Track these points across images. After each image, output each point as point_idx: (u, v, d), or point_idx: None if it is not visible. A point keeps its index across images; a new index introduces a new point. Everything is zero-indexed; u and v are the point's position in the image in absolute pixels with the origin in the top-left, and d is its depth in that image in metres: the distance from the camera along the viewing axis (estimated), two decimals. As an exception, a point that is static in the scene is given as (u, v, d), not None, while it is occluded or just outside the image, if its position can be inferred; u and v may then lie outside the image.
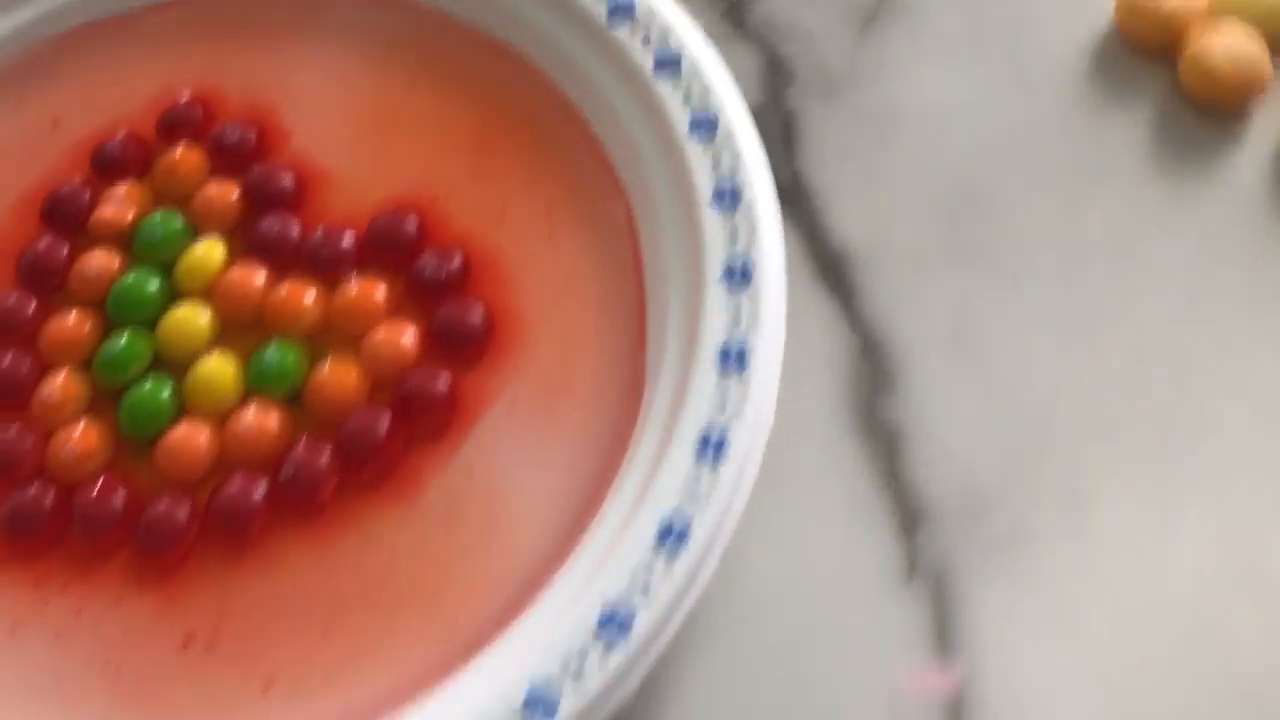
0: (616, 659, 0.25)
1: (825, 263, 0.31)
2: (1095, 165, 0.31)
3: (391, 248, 0.32)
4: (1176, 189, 0.31)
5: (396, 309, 0.31)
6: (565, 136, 0.33)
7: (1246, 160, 0.31)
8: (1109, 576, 0.27)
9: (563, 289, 0.31)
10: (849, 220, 0.32)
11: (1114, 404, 0.29)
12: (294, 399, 0.30)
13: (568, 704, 0.25)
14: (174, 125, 0.34)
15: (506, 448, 0.29)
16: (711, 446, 0.27)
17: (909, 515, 0.28)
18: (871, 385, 0.30)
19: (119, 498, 0.29)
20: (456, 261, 0.31)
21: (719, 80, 0.31)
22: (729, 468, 0.26)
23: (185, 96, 0.35)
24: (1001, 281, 0.30)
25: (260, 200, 0.33)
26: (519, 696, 0.25)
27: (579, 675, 0.25)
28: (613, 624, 0.25)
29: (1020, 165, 0.31)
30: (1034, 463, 0.29)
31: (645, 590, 0.26)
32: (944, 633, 0.27)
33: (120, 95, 0.35)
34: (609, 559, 0.26)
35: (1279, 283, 0.30)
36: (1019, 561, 0.28)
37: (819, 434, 0.29)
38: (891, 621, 0.27)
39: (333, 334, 0.31)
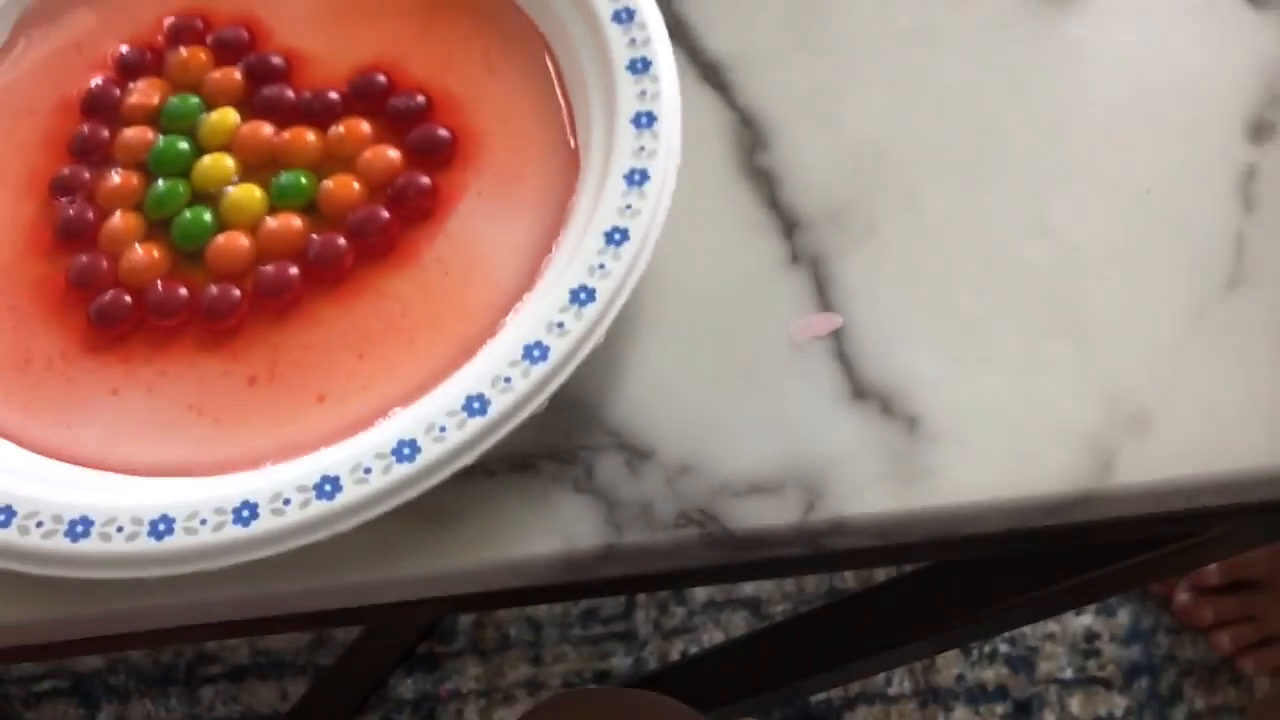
0: (589, 315, 0.34)
1: (705, 70, 0.41)
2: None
3: (368, 97, 0.41)
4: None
5: (378, 140, 0.40)
6: (490, 3, 0.42)
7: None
8: (939, 244, 0.37)
9: (505, 108, 0.41)
10: (718, 38, 0.42)
11: (929, 134, 0.39)
12: (309, 210, 0.39)
13: (556, 348, 0.33)
14: (179, 34, 0.43)
15: (480, 221, 0.38)
16: (637, 175, 0.36)
17: (788, 224, 0.38)
18: (750, 145, 0.39)
19: (182, 289, 0.37)
20: (420, 99, 0.40)
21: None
22: (652, 185, 0.36)
23: (185, 12, 0.43)
24: (839, 65, 0.41)
25: (259, 77, 0.42)
26: (517, 352, 0.34)
27: (561, 331, 0.34)
28: (580, 297, 0.34)
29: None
30: (876, 180, 0.39)
31: (602, 272, 0.35)
32: (823, 296, 0.37)
33: (128, 20, 0.44)
34: (570, 265, 0.35)
35: (1041, 42, 0.41)
36: (873, 243, 0.38)
37: (714, 180, 0.39)
38: (783, 293, 0.37)
39: (332, 162, 0.40)
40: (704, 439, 0.35)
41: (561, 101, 0.40)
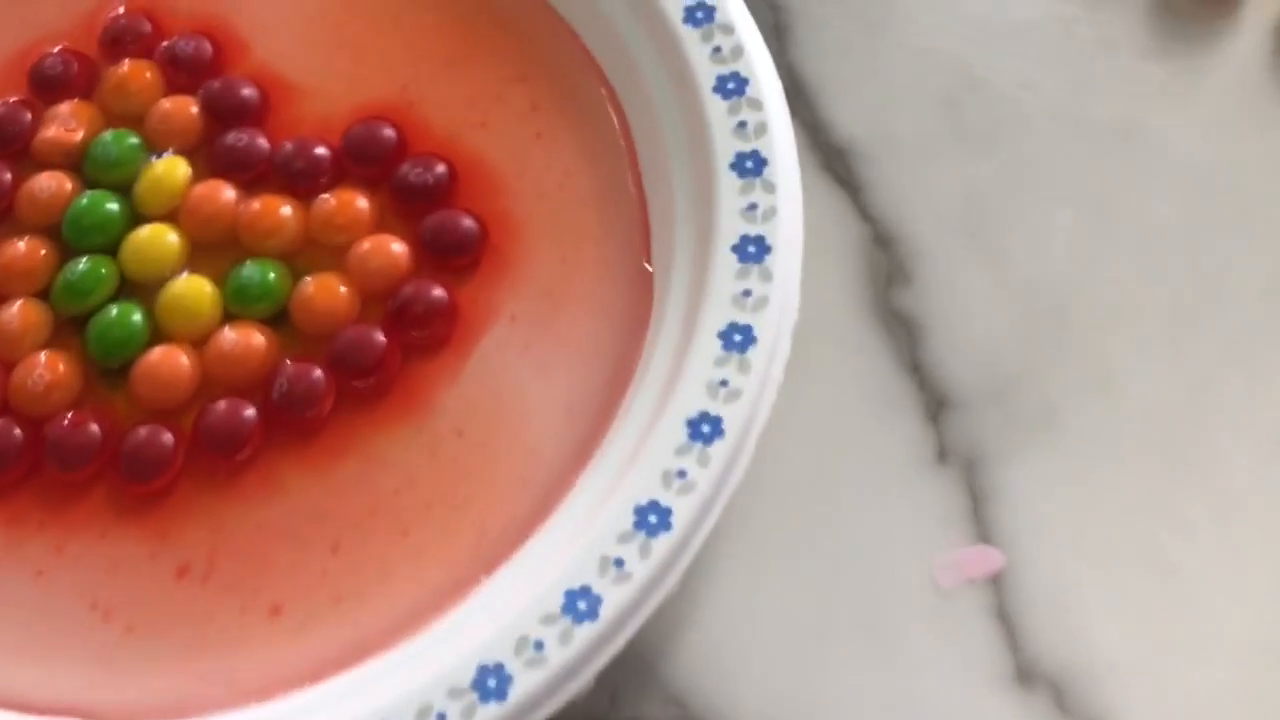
0: (660, 552, 0.24)
1: (829, 156, 0.30)
2: (1094, 46, 0.31)
3: (369, 159, 0.30)
4: (1177, 66, 0.31)
5: (380, 224, 0.29)
6: (545, 34, 0.31)
7: (1245, 34, 0.31)
8: (1142, 452, 0.27)
9: (555, 191, 0.30)
10: (849, 113, 0.31)
11: (1131, 280, 0.29)
12: (278, 320, 0.28)
13: (610, 599, 0.23)
14: (119, 39, 0.32)
15: (514, 358, 0.28)
16: (737, 336, 0.26)
17: (935, 400, 0.28)
18: (887, 276, 0.29)
19: (94, 427, 0.27)
20: (440, 169, 0.30)
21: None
22: (758, 355, 0.25)
23: (126, 9, 0.32)
24: (1010, 167, 0.30)
25: (221, 115, 0.31)
26: (555, 601, 0.24)
27: (620, 574, 0.24)
28: (650, 520, 0.24)
29: (1018, 49, 0.31)
30: (1056, 344, 0.28)
31: (682, 483, 0.24)
32: (979, 518, 0.27)
33: (53, 11, 0.33)
34: (638, 457, 0.25)
35: None
36: (1048, 442, 0.27)
37: (838, 325, 0.29)
38: (925, 507, 0.27)
39: (313, 251, 0.29)
40: (806, 718, 0.25)
41: (634, 192, 0.30)
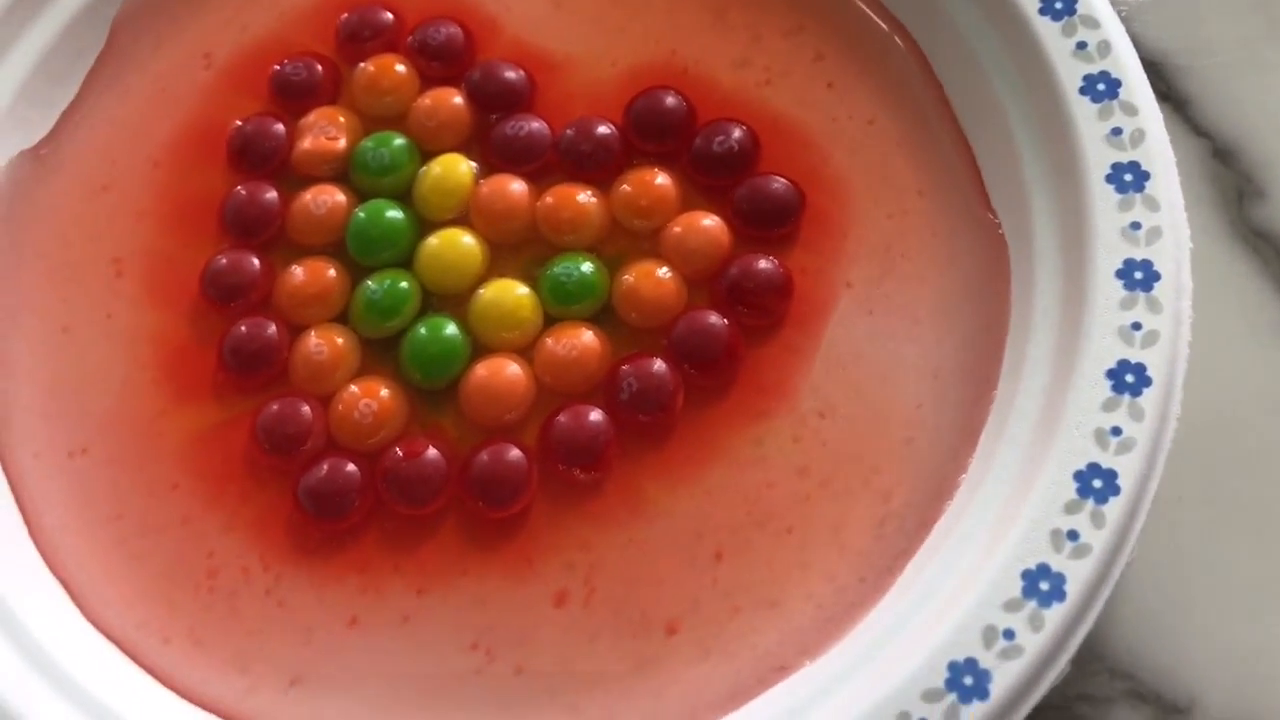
0: (1113, 516, 0.22)
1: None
2: None
3: (660, 133, 0.28)
4: None
5: (684, 200, 0.27)
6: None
7: None
8: None
9: (863, 143, 0.28)
10: (1153, 26, 0.29)
11: None
12: (600, 317, 0.26)
13: (1075, 576, 0.21)
14: (357, 35, 0.29)
15: (859, 327, 0.26)
16: (1138, 271, 0.24)
17: (1324, 321, 0.26)
18: (1238, 193, 0.27)
19: (434, 454, 0.25)
20: (739, 134, 0.27)
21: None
22: (1166, 293, 0.23)
23: (357, 4, 0.30)
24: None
25: (488, 104, 0.28)
26: (1013, 583, 0.22)
27: (1077, 547, 0.22)
28: (1094, 482, 0.22)
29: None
30: None
31: (1119, 442, 0.22)
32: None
33: (273, 13, 0.30)
34: (1059, 417, 0.23)
35: None
36: None
37: (1199, 251, 0.26)
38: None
39: (620, 238, 0.27)
40: (1269, 679, 0.23)
41: (952, 135, 0.27)
